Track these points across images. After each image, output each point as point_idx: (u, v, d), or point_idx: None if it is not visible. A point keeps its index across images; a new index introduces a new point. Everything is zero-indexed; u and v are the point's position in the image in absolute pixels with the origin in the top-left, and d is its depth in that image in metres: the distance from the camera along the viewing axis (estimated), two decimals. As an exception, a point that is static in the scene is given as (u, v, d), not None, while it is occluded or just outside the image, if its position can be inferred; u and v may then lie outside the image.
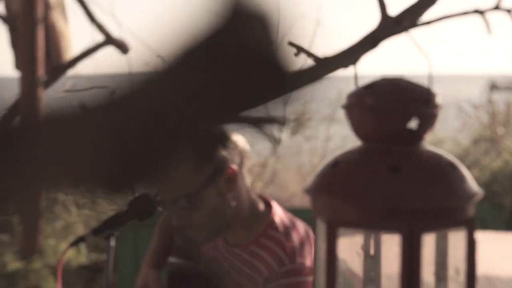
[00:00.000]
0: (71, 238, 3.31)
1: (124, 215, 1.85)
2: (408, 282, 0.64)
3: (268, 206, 1.79)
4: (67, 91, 4.07)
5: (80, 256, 3.41)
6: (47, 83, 3.45)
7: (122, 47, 3.30)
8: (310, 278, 1.65)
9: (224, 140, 2.03)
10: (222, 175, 1.65)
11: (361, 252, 0.67)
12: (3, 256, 3.30)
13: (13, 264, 3.19)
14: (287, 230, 1.72)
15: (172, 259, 1.94)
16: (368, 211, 0.63)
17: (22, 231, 3.33)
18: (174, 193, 1.63)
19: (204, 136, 1.93)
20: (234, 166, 1.67)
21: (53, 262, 3.30)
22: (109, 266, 1.74)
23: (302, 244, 1.70)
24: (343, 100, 0.69)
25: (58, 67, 3.49)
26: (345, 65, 1.74)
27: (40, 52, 3.19)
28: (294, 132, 4.04)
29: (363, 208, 0.63)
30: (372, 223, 0.64)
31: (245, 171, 1.76)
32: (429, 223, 0.63)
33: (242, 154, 1.73)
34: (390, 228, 0.63)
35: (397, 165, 0.64)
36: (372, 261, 0.67)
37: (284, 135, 3.98)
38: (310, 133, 4.78)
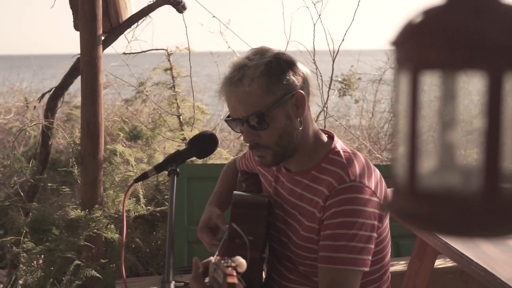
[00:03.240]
0: (129, 191, 3.42)
1: (185, 152, 1.94)
2: (489, 121, 0.68)
3: (331, 138, 1.86)
4: (125, 53, 4.18)
5: (138, 208, 3.53)
6: (106, 43, 3.56)
7: (179, 6, 3.37)
8: (368, 197, 1.70)
9: (294, 66, 2.14)
10: (291, 98, 1.72)
11: (440, 97, 0.71)
12: (65, 207, 3.45)
13: (74, 213, 3.33)
14: (349, 156, 1.78)
15: (236, 192, 2.02)
16: (451, 51, 0.68)
17: (82, 183, 3.46)
18: (245, 111, 1.71)
19: (276, 60, 2.03)
20: (303, 92, 1.74)
21: (112, 212, 3.43)
22: (172, 202, 1.83)
23: (362, 168, 1.75)
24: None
25: (116, 26, 3.59)
26: None
27: (99, 12, 3.30)
28: (343, 93, 4.06)
29: (446, 49, 0.68)
30: (456, 63, 0.68)
31: (310, 102, 1.82)
32: (512, 62, 0.67)
33: (309, 84, 1.79)
34: (474, 66, 0.68)
35: (481, 9, 0.68)
36: (451, 104, 0.71)
37: (333, 96, 4.01)
38: (359, 94, 4.79)
